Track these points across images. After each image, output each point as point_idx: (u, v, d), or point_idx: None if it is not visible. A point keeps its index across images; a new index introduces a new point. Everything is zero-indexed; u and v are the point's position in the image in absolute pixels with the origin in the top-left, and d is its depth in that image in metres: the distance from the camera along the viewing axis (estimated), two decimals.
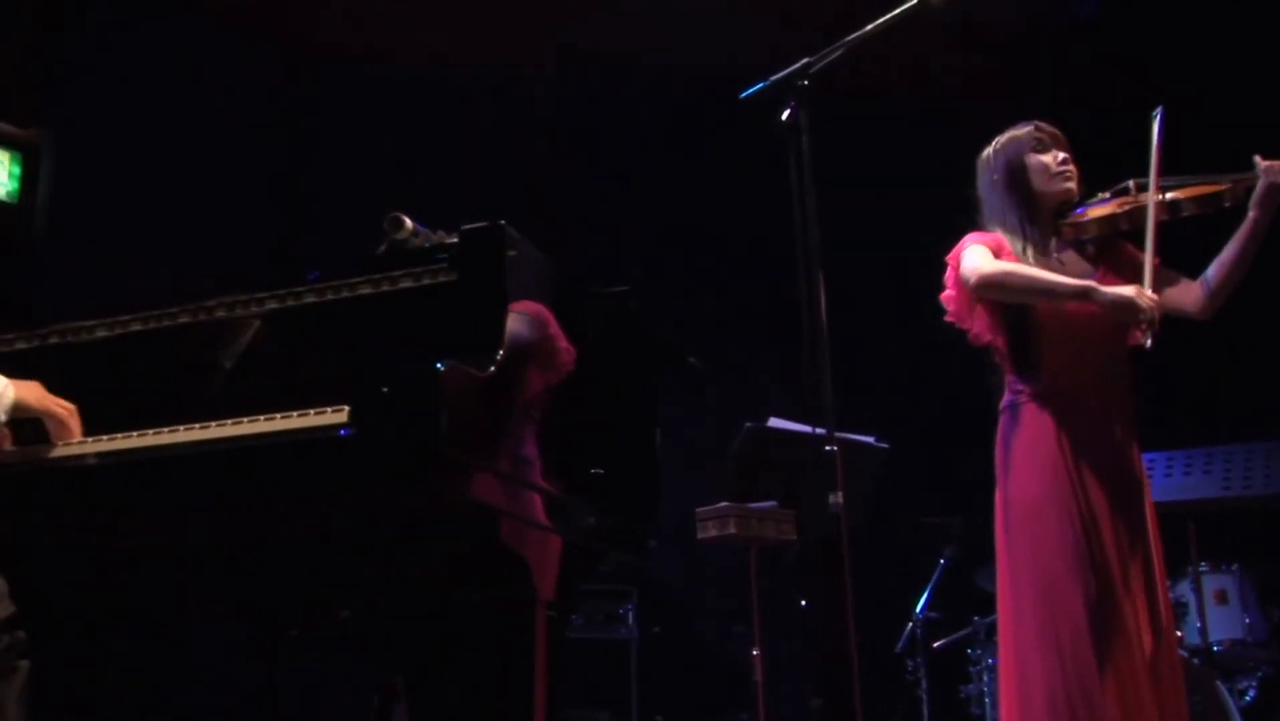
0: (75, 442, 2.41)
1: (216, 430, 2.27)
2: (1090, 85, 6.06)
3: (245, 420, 2.25)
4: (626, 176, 6.22)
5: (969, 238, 3.33)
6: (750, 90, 3.15)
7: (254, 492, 2.31)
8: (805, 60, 3.13)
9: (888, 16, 3.17)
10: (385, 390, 2.10)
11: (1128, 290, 3.10)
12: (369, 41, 5.96)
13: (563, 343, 2.61)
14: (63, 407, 2.43)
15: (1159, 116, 3.32)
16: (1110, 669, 3.02)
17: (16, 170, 5.28)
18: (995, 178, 3.38)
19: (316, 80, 6.12)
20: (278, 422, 2.22)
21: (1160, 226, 3.20)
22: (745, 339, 6.01)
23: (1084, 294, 3.14)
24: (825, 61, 3.14)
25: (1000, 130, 3.51)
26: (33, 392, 2.37)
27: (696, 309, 5.90)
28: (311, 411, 2.18)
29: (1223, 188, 3.23)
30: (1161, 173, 3.26)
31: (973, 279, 3.22)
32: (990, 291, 3.23)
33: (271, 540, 2.52)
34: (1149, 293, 3.10)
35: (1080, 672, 3.01)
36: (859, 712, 2.95)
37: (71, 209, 5.35)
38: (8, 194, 5.28)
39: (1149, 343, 3.12)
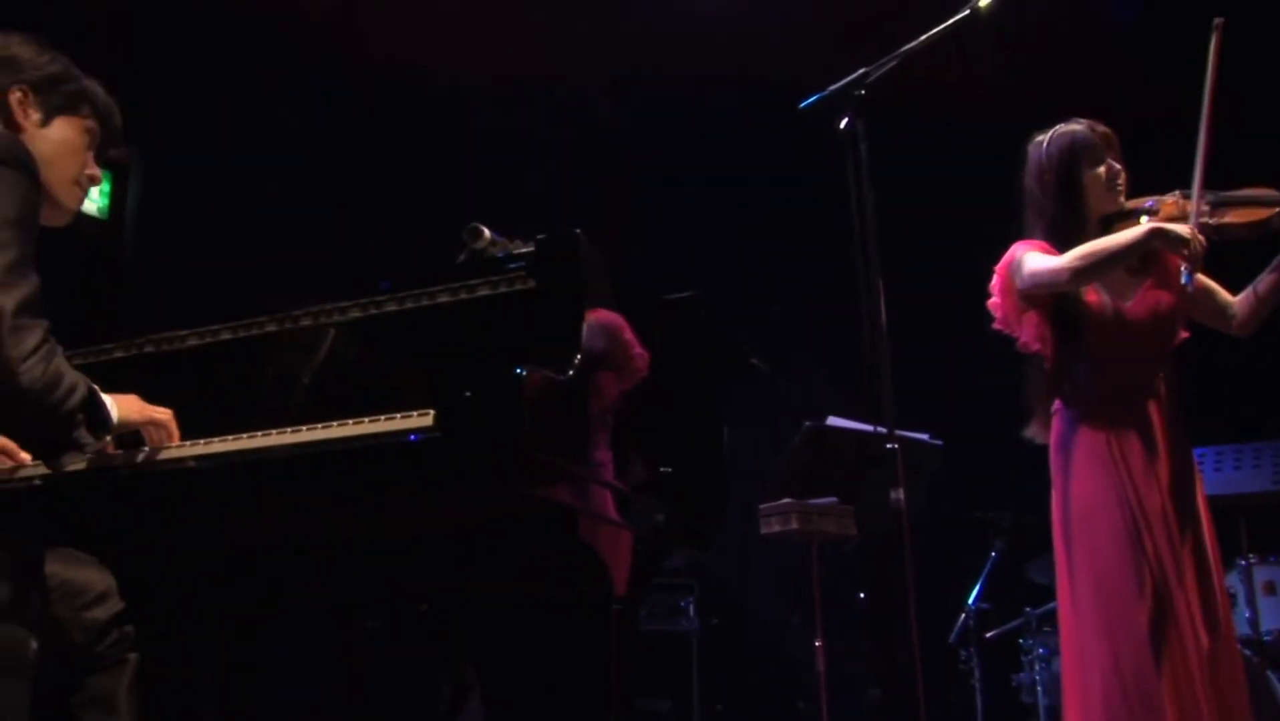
0: (174, 446, 2.43)
1: (307, 434, 2.28)
2: (1130, 91, 5.97)
3: (334, 424, 2.25)
4: (686, 183, 6.21)
5: (1018, 248, 3.26)
6: (808, 101, 3.15)
7: (342, 494, 2.32)
8: (862, 70, 3.12)
9: (940, 27, 3.15)
10: (469, 395, 2.10)
11: (1184, 229, 3.04)
12: (435, 61, 5.98)
13: (637, 349, 2.60)
14: (161, 415, 2.45)
15: (1218, 29, 3.19)
16: (1166, 665, 2.97)
17: (107, 188, 5.38)
18: (1048, 179, 3.29)
19: (385, 98, 6.16)
20: (365, 426, 2.21)
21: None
22: (798, 339, 5.97)
23: (1152, 236, 3.07)
24: (881, 71, 3.13)
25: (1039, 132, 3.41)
26: (133, 406, 2.39)
27: (751, 309, 5.87)
28: (398, 416, 2.17)
29: (1271, 213, 3.16)
30: (1215, 99, 3.17)
31: (1064, 275, 3.12)
32: (1086, 276, 3.13)
33: (358, 539, 2.54)
34: (1200, 236, 3.05)
35: (1138, 669, 2.97)
36: (922, 703, 2.93)
37: (157, 223, 5.43)
38: (99, 210, 5.38)
39: (1190, 286, 3.06)
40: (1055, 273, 3.13)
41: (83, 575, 2.26)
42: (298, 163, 5.65)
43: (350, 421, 2.24)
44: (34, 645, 2.10)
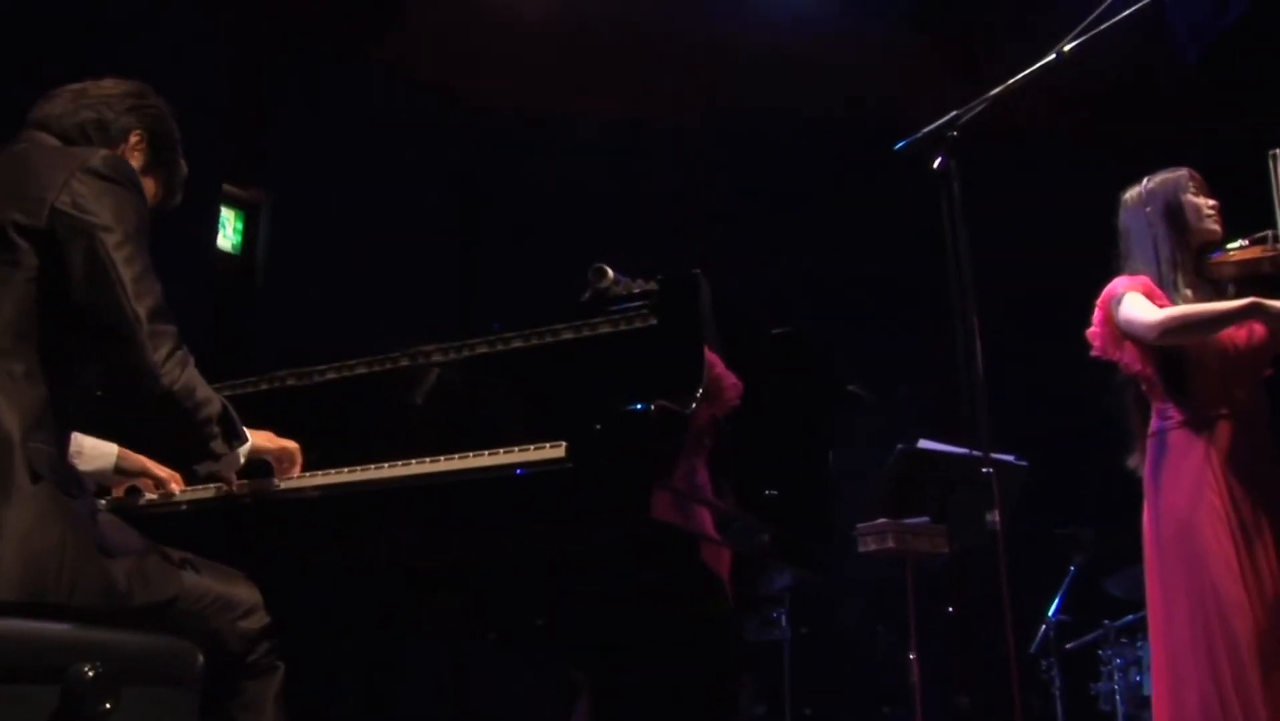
0: (298, 477, 2.46)
1: (445, 464, 2.28)
2: (1202, 125, 5.84)
3: (470, 455, 2.25)
4: (781, 212, 6.17)
5: (1120, 284, 3.28)
6: (904, 142, 3.12)
7: (477, 519, 2.31)
8: (954, 113, 3.09)
9: (1027, 71, 3.10)
10: (599, 427, 2.10)
11: None
12: (539, 105, 6.01)
13: (730, 380, 2.59)
14: (291, 446, 2.48)
15: (1275, 156, 3.21)
16: (1266, 678, 2.92)
17: (240, 226, 5.49)
18: (1149, 209, 3.33)
19: (490, 141, 6.21)
20: (500, 457, 2.21)
21: None
22: (886, 362, 5.88)
23: (1253, 310, 3.08)
24: (971, 113, 3.10)
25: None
26: (267, 436, 2.43)
27: (843, 334, 5.80)
28: (531, 447, 2.17)
29: None
30: None
31: (1153, 333, 3.16)
32: (1173, 336, 3.16)
33: (490, 559, 2.54)
34: None
35: (1238, 679, 2.92)
36: (1018, 709, 2.88)
37: (284, 258, 5.52)
38: (233, 246, 5.49)
39: None
40: (1147, 328, 3.17)
41: (235, 589, 2.29)
42: (409, 203, 5.72)
43: (486, 452, 2.24)
44: (200, 658, 2.13)
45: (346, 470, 2.43)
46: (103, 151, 2.21)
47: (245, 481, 2.46)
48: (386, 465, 2.37)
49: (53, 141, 2.27)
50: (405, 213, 5.69)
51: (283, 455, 2.46)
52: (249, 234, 5.48)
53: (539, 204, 5.96)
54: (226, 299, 5.35)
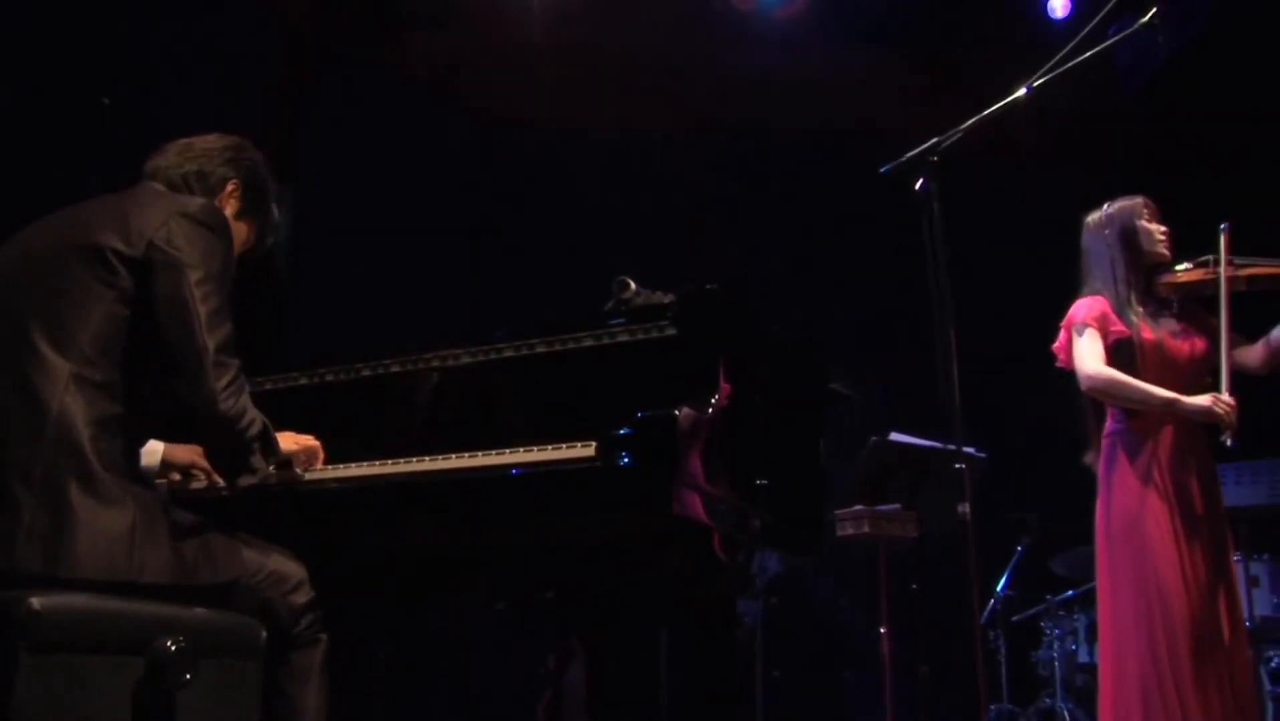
0: (323, 469, 2.53)
1: (483, 459, 2.31)
2: (1149, 153, 5.91)
3: (508, 451, 2.28)
4: (765, 226, 6.19)
5: (1080, 309, 3.37)
6: (888, 166, 3.17)
7: (506, 509, 2.35)
8: (935, 139, 3.14)
9: (1000, 104, 3.15)
10: (626, 429, 2.14)
11: (1204, 400, 3.17)
12: (547, 117, 5.99)
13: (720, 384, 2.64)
14: (311, 444, 2.54)
15: (1224, 230, 3.32)
16: (1197, 657, 3.04)
17: None
18: (1107, 233, 3.43)
19: (504, 148, 6.20)
20: (534, 454, 2.24)
21: (1232, 303, 3.24)
22: (864, 356, 5.92)
23: (1171, 405, 3.21)
24: (951, 140, 3.15)
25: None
26: (289, 437, 2.48)
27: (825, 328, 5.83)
28: (564, 446, 2.21)
29: None
30: (1231, 279, 3.28)
31: (1084, 383, 3.31)
32: (1096, 394, 3.33)
33: (513, 549, 2.58)
34: (1225, 397, 3.15)
35: (1172, 656, 3.04)
36: (981, 677, 2.96)
37: (303, 252, 5.48)
38: None
39: (1230, 442, 3.17)
40: (1082, 376, 3.32)
41: (285, 566, 2.33)
42: (426, 205, 5.70)
43: (521, 449, 2.28)
44: (263, 633, 2.18)
45: (391, 462, 2.47)
46: (201, 200, 2.31)
47: (274, 472, 2.50)
48: (428, 459, 2.41)
49: (160, 188, 2.37)
50: (422, 214, 5.65)
51: (304, 453, 2.53)
52: None
53: (550, 210, 5.95)
54: (250, 289, 5.30)
